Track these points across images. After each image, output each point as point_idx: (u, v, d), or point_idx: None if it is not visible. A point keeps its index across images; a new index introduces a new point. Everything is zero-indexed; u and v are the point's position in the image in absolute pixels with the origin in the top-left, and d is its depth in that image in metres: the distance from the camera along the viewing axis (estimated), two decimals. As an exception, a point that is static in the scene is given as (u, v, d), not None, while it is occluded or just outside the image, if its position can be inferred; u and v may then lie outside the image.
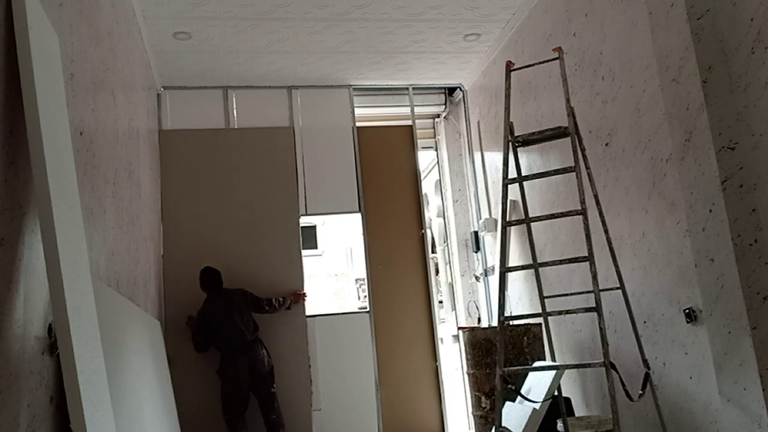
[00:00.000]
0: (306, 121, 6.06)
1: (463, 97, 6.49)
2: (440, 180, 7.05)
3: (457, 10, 4.94)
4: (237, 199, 5.58)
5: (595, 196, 3.38)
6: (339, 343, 5.44)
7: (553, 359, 3.77)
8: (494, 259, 5.88)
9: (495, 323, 5.52)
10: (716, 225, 2.81)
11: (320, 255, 10.71)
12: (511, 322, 4.34)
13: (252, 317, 4.93)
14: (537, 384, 3.68)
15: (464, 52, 5.71)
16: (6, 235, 1.66)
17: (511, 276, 5.26)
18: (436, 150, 7.05)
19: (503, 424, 3.62)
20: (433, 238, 7.93)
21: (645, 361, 3.26)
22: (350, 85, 6.20)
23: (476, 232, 6.32)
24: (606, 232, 3.36)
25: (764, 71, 2.67)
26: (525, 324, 4.40)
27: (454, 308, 6.75)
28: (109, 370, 2.17)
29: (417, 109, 6.49)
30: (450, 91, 6.76)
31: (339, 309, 8.75)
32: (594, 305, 2.89)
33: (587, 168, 3.38)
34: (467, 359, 4.66)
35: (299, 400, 5.15)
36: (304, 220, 6.12)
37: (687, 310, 3.24)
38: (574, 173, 3.14)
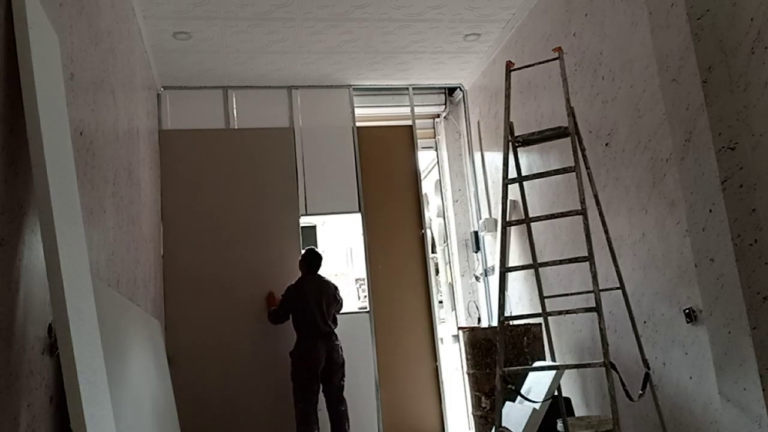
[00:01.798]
0: (306, 121, 6.06)
1: (463, 97, 6.49)
2: (440, 180, 7.05)
3: (457, 10, 4.94)
4: (237, 199, 5.58)
5: (595, 196, 3.38)
6: (339, 343, 5.43)
7: (553, 359, 3.76)
8: (494, 259, 5.88)
9: (495, 323, 5.52)
10: (716, 225, 2.81)
11: (320, 255, 10.70)
12: (511, 322, 4.34)
13: (334, 312, 5.11)
14: (537, 384, 3.68)
15: (464, 52, 5.71)
16: (6, 235, 1.66)
17: (511, 276, 5.26)
18: (436, 150, 7.05)
19: (503, 424, 3.62)
20: (433, 238, 7.94)
21: (645, 361, 3.26)
22: (350, 85, 6.20)
23: (476, 232, 6.32)
24: (606, 232, 3.36)
25: (764, 71, 2.67)
26: (525, 324, 4.40)
27: (454, 308, 6.75)
28: (109, 370, 2.17)
29: (417, 109, 6.49)
30: (450, 91, 6.76)
31: (339, 309, 8.76)
32: (594, 305, 2.89)
33: (587, 168, 3.38)
34: (467, 359, 4.66)
35: (299, 400, 5.14)
36: (304, 220, 6.12)
37: (687, 310, 3.24)
38: (574, 173, 3.14)
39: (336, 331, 5.03)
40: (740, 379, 2.72)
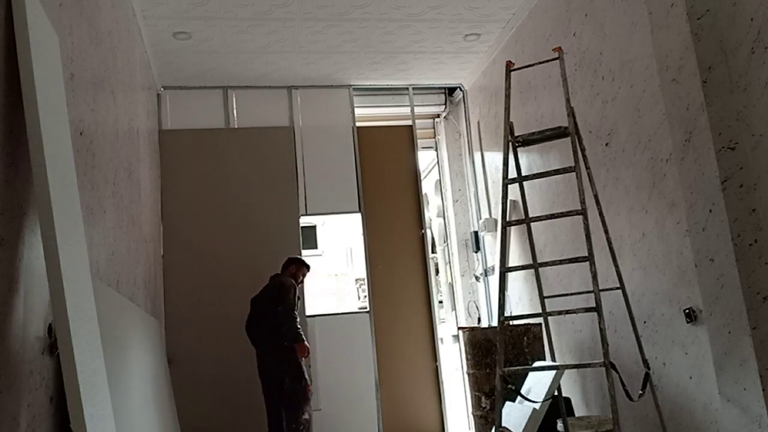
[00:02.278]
0: (306, 121, 6.06)
1: (463, 97, 6.49)
2: (440, 180, 7.05)
3: (457, 10, 4.94)
4: (237, 199, 5.58)
5: (595, 196, 3.37)
6: (339, 343, 5.44)
7: (553, 359, 3.76)
8: (494, 259, 5.88)
9: (495, 323, 5.52)
10: (716, 225, 2.81)
11: (320, 255, 10.71)
12: (511, 322, 4.34)
13: (274, 316, 4.51)
14: (537, 384, 3.68)
15: (464, 52, 5.71)
16: (6, 235, 1.66)
17: (511, 276, 5.25)
18: (436, 150, 7.05)
19: (503, 424, 3.62)
20: (433, 238, 7.93)
21: (645, 361, 3.26)
22: (350, 85, 6.20)
23: (476, 232, 6.32)
24: (606, 232, 3.36)
25: (764, 71, 2.67)
26: (525, 324, 4.40)
27: (454, 308, 6.75)
28: (109, 370, 2.17)
29: (417, 109, 6.49)
30: (450, 91, 6.76)
31: (339, 309, 8.78)
32: (594, 305, 2.89)
33: (587, 168, 3.38)
34: (467, 359, 4.66)
35: (299, 400, 5.14)
36: (304, 220, 6.12)
37: (687, 310, 3.24)
38: (574, 173, 3.14)
39: (273, 337, 4.52)
40: (740, 379, 2.72)
